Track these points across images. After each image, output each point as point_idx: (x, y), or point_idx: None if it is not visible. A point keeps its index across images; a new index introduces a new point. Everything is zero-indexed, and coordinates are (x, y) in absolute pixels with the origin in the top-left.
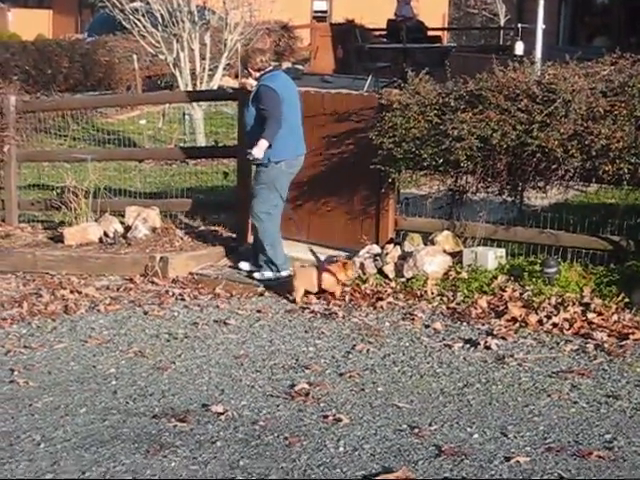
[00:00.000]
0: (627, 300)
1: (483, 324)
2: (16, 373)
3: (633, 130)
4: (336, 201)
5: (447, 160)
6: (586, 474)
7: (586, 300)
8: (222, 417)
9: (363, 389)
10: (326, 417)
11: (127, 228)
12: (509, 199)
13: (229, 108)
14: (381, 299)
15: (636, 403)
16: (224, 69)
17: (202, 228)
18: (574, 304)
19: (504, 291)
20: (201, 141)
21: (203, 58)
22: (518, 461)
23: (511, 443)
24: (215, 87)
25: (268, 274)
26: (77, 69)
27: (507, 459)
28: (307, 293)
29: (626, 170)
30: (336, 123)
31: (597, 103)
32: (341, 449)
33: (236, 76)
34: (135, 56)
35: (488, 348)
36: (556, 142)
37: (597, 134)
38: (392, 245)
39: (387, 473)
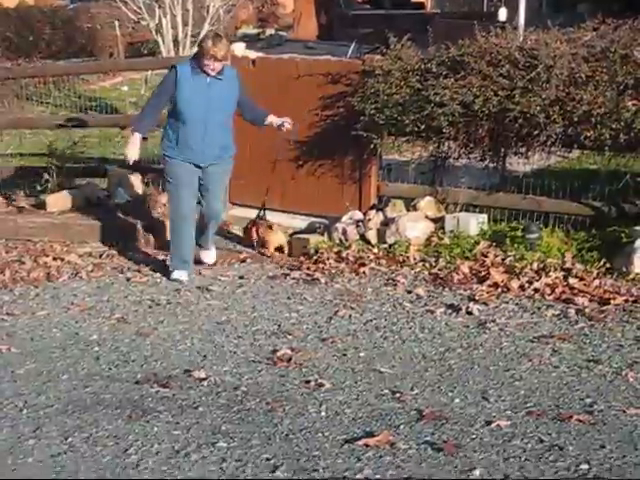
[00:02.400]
0: (608, 265)
1: (465, 289)
2: None
3: (615, 96)
4: (316, 168)
5: (429, 126)
6: (566, 437)
7: (568, 265)
8: (204, 383)
9: (345, 354)
10: (308, 382)
11: (110, 194)
12: (491, 165)
13: None
14: (363, 265)
15: (616, 367)
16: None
17: None
18: (556, 269)
19: (486, 257)
20: None
21: (185, 24)
22: (499, 425)
23: (492, 407)
24: None
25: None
26: (59, 36)
27: (488, 423)
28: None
29: (607, 136)
30: (316, 90)
31: (579, 69)
32: (323, 414)
33: None
34: (117, 22)
35: (470, 313)
36: (538, 108)
37: (579, 100)
38: (374, 211)
39: (368, 437)
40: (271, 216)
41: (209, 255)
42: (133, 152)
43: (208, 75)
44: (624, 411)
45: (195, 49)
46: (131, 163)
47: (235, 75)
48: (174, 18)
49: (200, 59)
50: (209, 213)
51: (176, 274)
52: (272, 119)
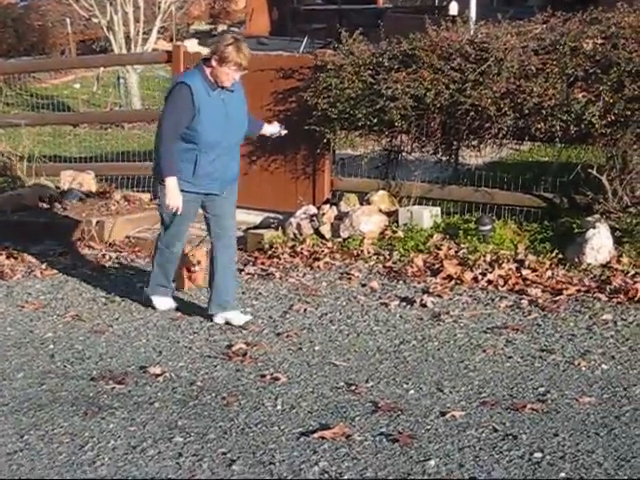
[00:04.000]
0: (561, 256)
1: (419, 282)
2: None
3: (564, 88)
4: (270, 163)
5: (381, 120)
6: (520, 426)
7: (520, 257)
8: (160, 378)
9: (300, 348)
10: (264, 376)
11: (63, 193)
12: (444, 158)
13: (164, 71)
14: (318, 259)
15: (569, 357)
16: (158, 32)
17: (138, 191)
18: (509, 261)
19: (440, 249)
20: (136, 105)
21: (137, 21)
22: (453, 415)
23: (446, 398)
24: (149, 50)
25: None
26: (10, 33)
27: (442, 414)
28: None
29: (558, 128)
30: (268, 85)
31: (529, 61)
32: (279, 407)
33: (171, 39)
34: (68, 20)
35: (424, 306)
36: (489, 100)
37: (529, 92)
38: (328, 205)
39: (324, 430)
40: None
41: (238, 315)
42: (177, 200)
43: (221, 88)
44: (577, 400)
45: (147, 46)
46: (180, 213)
47: (239, 83)
48: (125, 15)
49: (216, 69)
50: (223, 235)
51: (160, 302)
52: (268, 129)
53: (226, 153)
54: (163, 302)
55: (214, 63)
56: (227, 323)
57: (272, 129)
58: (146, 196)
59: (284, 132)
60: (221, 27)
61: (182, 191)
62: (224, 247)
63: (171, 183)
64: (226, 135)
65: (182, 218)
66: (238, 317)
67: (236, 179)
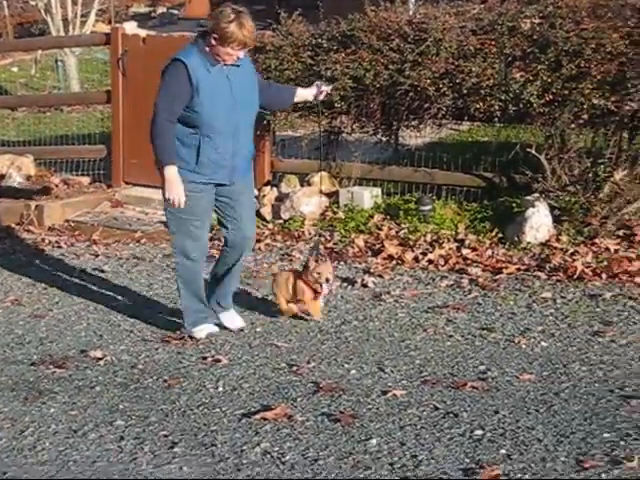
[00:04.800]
0: (501, 235)
1: (360, 263)
2: None
3: (503, 68)
4: None
5: (321, 101)
6: (461, 404)
7: (461, 236)
8: (101, 362)
9: (241, 330)
10: (205, 359)
11: (1, 177)
12: (384, 139)
13: (103, 54)
14: (259, 241)
15: (509, 335)
16: (97, 14)
17: (78, 175)
18: (449, 241)
19: (380, 230)
20: (75, 88)
21: (75, 3)
22: (395, 394)
23: (388, 377)
24: (88, 33)
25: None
26: None
27: (384, 393)
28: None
29: (497, 107)
30: None
31: (467, 42)
32: (220, 389)
33: (109, 22)
34: (5, 2)
35: (365, 286)
36: (428, 81)
37: (468, 72)
38: (269, 187)
39: (266, 411)
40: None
41: (234, 317)
42: (179, 192)
43: (224, 63)
44: (517, 377)
45: (85, 29)
46: (182, 206)
47: (247, 56)
48: None
49: (216, 47)
50: (240, 243)
51: (200, 330)
52: (304, 94)
53: (233, 137)
54: (202, 328)
55: (213, 42)
56: (218, 325)
57: (310, 91)
58: (86, 179)
59: (329, 88)
60: (160, 9)
61: (188, 182)
62: (240, 252)
63: (170, 172)
64: (232, 117)
65: (192, 213)
66: (234, 320)
67: (249, 169)
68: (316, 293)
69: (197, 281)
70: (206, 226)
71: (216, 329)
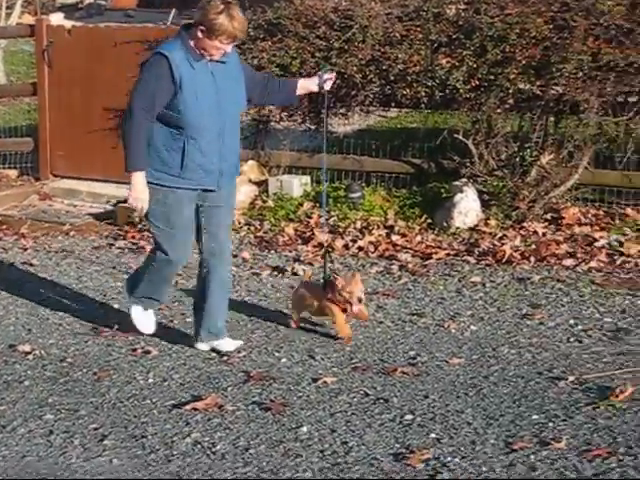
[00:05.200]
0: (430, 221)
1: (290, 251)
2: None
3: (429, 54)
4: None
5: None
6: (391, 390)
7: (390, 223)
8: (30, 356)
9: (172, 321)
10: (135, 350)
11: None
12: (312, 126)
13: (29, 45)
14: None
15: (439, 320)
16: (22, 6)
17: (4, 168)
18: (379, 227)
19: (310, 218)
20: (1, 80)
21: None
22: (325, 382)
23: (318, 365)
24: (14, 24)
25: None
26: None
27: (314, 380)
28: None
29: (423, 94)
30: (134, 58)
31: (393, 28)
32: (151, 380)
33: (35, 13)
34: None
35: (295, 274)
36: (355, 68)
37: (394, 59)
38: None
39: (196, 401)
40: (95, 186)
41: (227, 341)
42: (144, 198)
43: (210, 59)
44: (447, 361)
45: (10, 20)
46: (143, 214)
47: (235, 52)
48: None
49: (203, 40)
50: (218, 255)
51: (139, 318)
52: (306, 84)
53: (219, 139)
54: (145, 320)
55: (200, 34)
56: (213, 350)
57: (313, 82)
58: (13, 173)
59: (333, 75)
60: (88, 0)
61: (170, 188)
62: (221, 264)
63: (137, 179)
64: (218, 116)
65: (176, 225)
66: (228, 343)
67: (236, 172)
68: (345, 312)
69: (166, 283)
70: (191, 233)
71: (152, 328)
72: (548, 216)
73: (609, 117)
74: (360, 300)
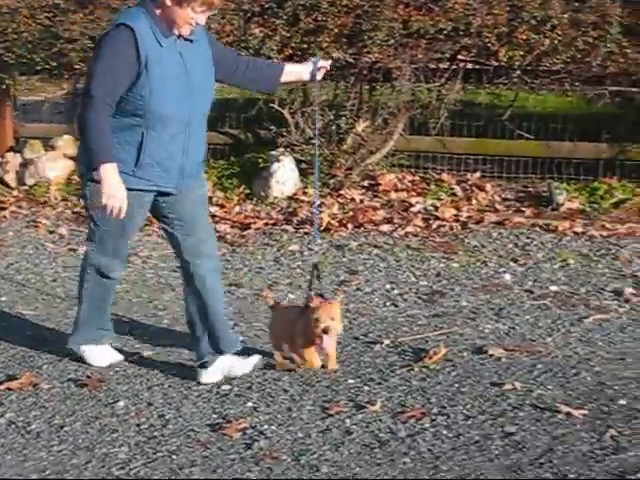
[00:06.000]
0: (248, 191)
1: None
2: None
3: (242, 24)
4: None
5: (61, 63)
6: None
7: (209, 194)
8: None
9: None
10: None
11: None
12: None
13: None
14: (3, 209)
15: (257, 290)
16: None
17: None
18: None
19: None
20: None
21: None
22: (142, 356)
23: (133, 339)
24: None
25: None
26: None
27: (131, 355)
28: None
29: None
30: None
31: None
32: None
33: None
34: None
35: None
36: None
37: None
38: (12, 153)
39: (11, 381)
40: None
41: (242, 362)
42: (121, 197)
43: (177, 36)
44: (264, 330)
45: None
46: (122, 215)
47: (204, 28)
48: None
49: (171, 8)
50: (204, 252)
51: (92, 355)
52: (296, 70)
53: (185, 131)
54: (100, 354)
55: (169, 2)
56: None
57: (304, 68)
58: None
59: (327, 63)
60: None
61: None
62: (209, 270)
63: (108, 172)
64: (186, 104)
65: (122, 226)
66: (244, 364)
67: (202, 169)
68: (313, 342)
69: (107, 299)
70: (127, 241)
71: (120, 358)
72: (365, 183)
73: (422, 84)
74: (326, 332)
